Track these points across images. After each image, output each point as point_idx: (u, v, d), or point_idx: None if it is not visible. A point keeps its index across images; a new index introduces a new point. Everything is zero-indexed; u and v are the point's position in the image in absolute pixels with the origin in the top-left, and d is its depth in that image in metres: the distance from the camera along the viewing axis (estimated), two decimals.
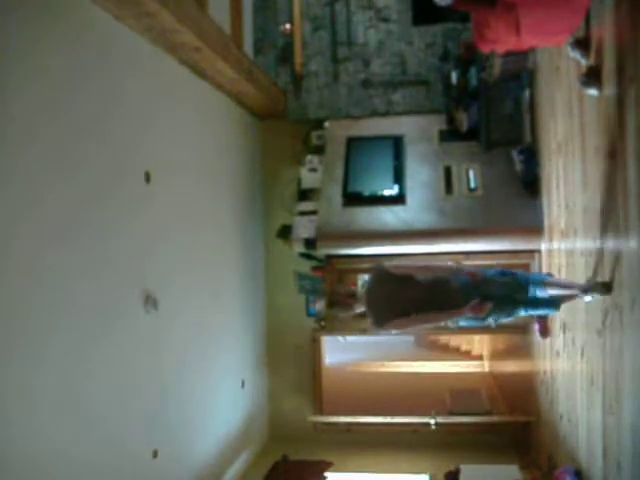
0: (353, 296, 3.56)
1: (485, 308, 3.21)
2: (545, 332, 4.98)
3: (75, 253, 3.27)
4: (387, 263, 3.52)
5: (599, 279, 3.50)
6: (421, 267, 3.51)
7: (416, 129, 6.31)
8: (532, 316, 3.87)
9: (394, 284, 3.38)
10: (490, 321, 3.47)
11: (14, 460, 2.78)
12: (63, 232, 3.18)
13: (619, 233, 3.06)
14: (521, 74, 5.41)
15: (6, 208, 2.77)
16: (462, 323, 3.49)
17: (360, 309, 3.52)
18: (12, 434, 2.77)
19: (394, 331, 3.47)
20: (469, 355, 10.06)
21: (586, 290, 3.51)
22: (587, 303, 3.71)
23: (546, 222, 5.08)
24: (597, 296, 3.44)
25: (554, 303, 3.67)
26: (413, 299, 3.34)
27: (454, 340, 10.26)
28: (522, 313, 3.56)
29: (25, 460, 2.85)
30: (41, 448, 2.95)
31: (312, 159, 6.44)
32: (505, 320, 3.59)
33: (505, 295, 3.45)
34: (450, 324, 3.51)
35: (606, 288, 3.34)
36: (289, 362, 6.80)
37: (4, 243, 2.76)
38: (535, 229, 5.20)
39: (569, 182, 4.18)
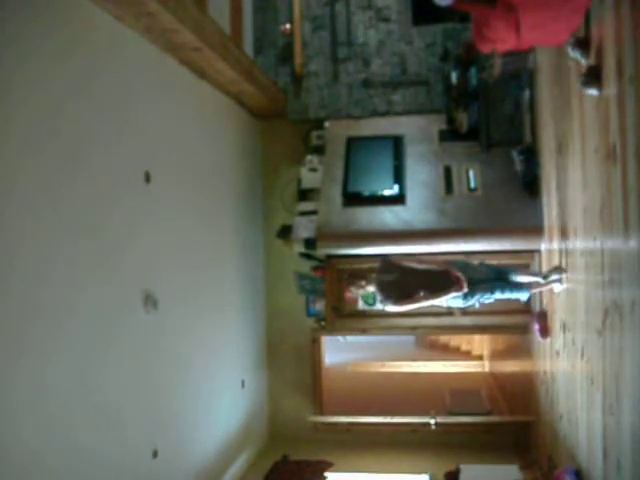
0: (365, 278, 4.48)
1: (462, 281, 4.15)
2: (545, 332, 4.99)
3: (75, 253, 3.27)
4: (392, 257, 4.55)
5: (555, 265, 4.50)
6: (419, 262, 4.45)
7: (416, 129, 6.31)
8: (509, 299, 4.58)
9: (397, 273, 4.32)
10: (474, 302, 4.33)
11: (19, 455, 2.80)
12: (63, 232, 3.18)
13: (619, 233, 3.06)
14: (521, 74, 5.40)
15: (11, 213, 2.78)
16: (452, 304, 4.36)
17: (371, 288, 4.43)
18: (18, 432, 2.79)
19: (398, 308, 4.35)
20: (469, 355, 10.06)
21: (545, 276, 4.55)
22: (586, 302, 3.72)
23: (546, 222, 5.08)
24: (556, 278, 4.42)
25: (525, 287, 4.57)
26: (412, 284, 4.27)
27: (454, 340, 10.27)
28: (499, 294, 4.38)
29: (28, 458, 2.86)
30: (42, 447, 2.95)
31: (312, 159, 6.44)
32: (487, 301, 4.38)
33: (486, 277, 4.40)
34: (443, 303, 4.36)
35: (559, 270, 4.40)
36: (289, 362, 6.80)
37: (9, 244, 2.76)
38: (535, 229, 5.20)
39: (569, 182, 4.18)
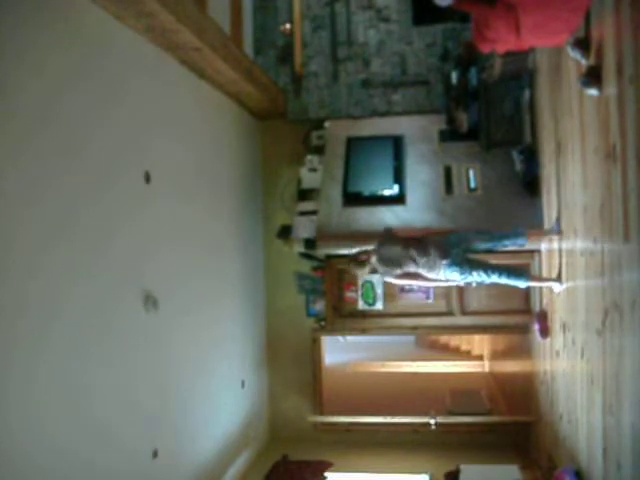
0: (366, 253, 4.54)
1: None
2: (545, 332, 4.99)
3: (75, 252, 3.27)
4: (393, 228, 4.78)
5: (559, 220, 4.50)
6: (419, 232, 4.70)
7: (416, 129, 6.31)
8: (507, 285, 4.57)
9: (397, 245, 4.46)
10: (472, 281, 4.40)
11: (14, 457, 2.78)
12: (63, 232, 3.18)
13: (619, 233, 3.06)
14: (521, 74, 5.40)
15: (6, 207, 2.77)
16: (449, 277, 4.39)
17: (372, 264, 4.52)
18: (13, 432, 2.78)
19: (397, 281, 4.60)
20: (469, 355, 10.07)
21: (556, 231, 4.51)
22: (586, 302, 3.72)
23: (546, 222, 5.08)
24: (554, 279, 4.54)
25: (524, 275, 4.56)
26: (411, 256, 4.40)
27: (454, 340, 10.27)
28: (496, 278, 4.39)
29: (25, 458, 2.85)
30: (41, 446, 2.94)
31: (312, 159, 6.44)
32: (485, 282, 4.42)
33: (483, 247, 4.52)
34: (441, 276, 4.41)
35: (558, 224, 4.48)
36: (289, 362, 6.80)
37: (5, 243, 2.76)
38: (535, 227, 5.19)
39: (569, 182, 4.18)
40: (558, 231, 4.50)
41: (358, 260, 4.57)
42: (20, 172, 2.87)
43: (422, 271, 4.42)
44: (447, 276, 4.41)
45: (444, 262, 4.33)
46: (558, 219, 4.53)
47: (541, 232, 4.93)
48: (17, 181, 2.85)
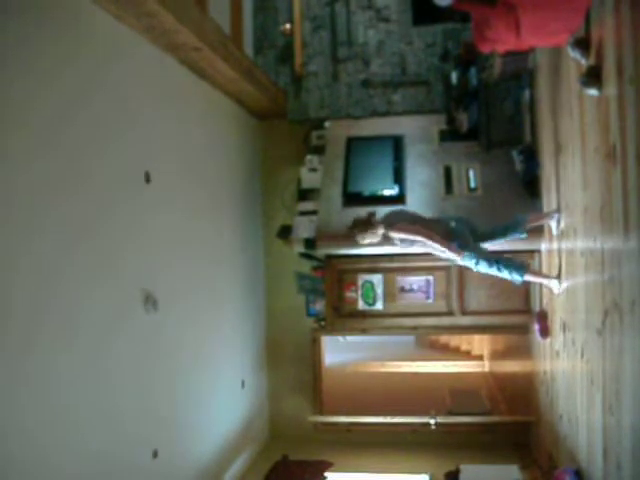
0: (374, 216, 4.33)
1: (460, 253, 4.33)
2: (545, 332, 4.99)
3: (75, 253, 3.27)
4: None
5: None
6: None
7: (416, 129, 6.31)
8: (504, 278, 4.57)
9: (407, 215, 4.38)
10: (476, 266, 4.39)
11: (15, 456, 2.79)
12: (63, 232, 3.18)
13: (619, 233, 3.06)
14: (521, 74, 5.41)
15: (10, 210, 2.77)
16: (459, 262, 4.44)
17: (381, 230, 4.29)
18: (13, 431, 2.78)
19: (400, 235, 4.30)
20: (469, 355, 10.07)
21: (556, 218, 4.53)
22: (586, 302, 3.72)
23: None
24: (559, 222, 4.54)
25: (522, 269, 4.53)
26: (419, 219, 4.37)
27: (454, 340, 10.27)
28: (496, 270, 4.41)
29: (25, 457, 2.85)
30: (41, 446, 2.95)
31: (312, 159, 6.44)
32: (485, 271, 4.43)
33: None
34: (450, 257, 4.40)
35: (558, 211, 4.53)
36: (289, 362, 6.81)
37: (10, 245, 2.76)
38: (535, 229, 5.19)
39: (569, 182, 4.18)
40: (557, 214, 4.53)
41: (365, 223, 4.28)
42: (22, 174, 2.87)
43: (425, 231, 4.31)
44: (461, 263, 4.45)
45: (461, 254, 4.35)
46: (558, 210, 4.56)
47: (542, 215, 4.88)
48: (19, 182, 2.84)
